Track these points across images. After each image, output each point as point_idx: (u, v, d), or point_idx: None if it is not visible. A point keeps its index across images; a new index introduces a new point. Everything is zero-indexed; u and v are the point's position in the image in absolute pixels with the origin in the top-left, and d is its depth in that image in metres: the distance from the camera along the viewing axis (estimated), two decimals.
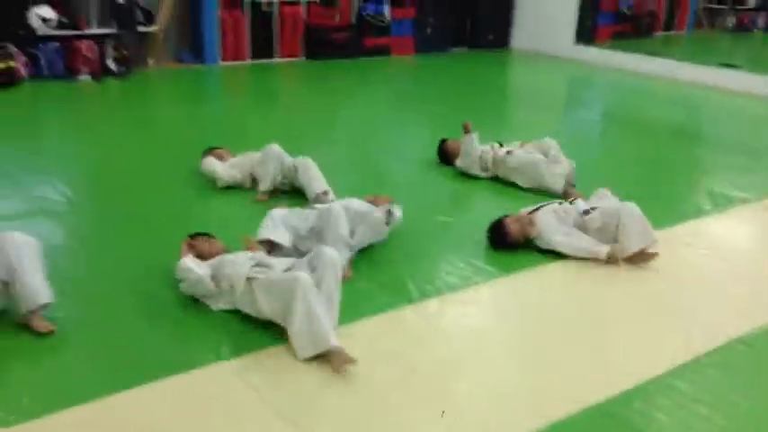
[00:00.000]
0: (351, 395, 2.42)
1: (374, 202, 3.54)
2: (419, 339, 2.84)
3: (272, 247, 3.18)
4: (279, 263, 2.89)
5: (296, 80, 7.91)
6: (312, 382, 2.50)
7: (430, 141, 5.01)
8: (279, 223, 3.23)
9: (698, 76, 8.27)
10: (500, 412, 2.40)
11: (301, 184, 3.99)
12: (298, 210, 3.42)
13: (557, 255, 3.55)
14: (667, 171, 5.02)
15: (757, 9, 12.14)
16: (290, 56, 8.25)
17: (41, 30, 6.45)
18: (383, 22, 8.69)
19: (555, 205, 3.74)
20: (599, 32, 10.18)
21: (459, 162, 4.61)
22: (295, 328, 2.58)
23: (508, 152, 4.48)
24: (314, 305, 2.59)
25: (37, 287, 2.66)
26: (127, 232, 3.60)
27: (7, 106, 5.90)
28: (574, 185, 4.27)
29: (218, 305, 2.88)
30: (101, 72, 6.79)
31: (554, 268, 3.46)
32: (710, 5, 12.11)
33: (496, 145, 4.58)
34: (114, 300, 2.97)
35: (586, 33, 9.73)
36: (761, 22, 12.15)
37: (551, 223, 3.59)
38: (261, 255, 3.01)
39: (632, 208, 3.56)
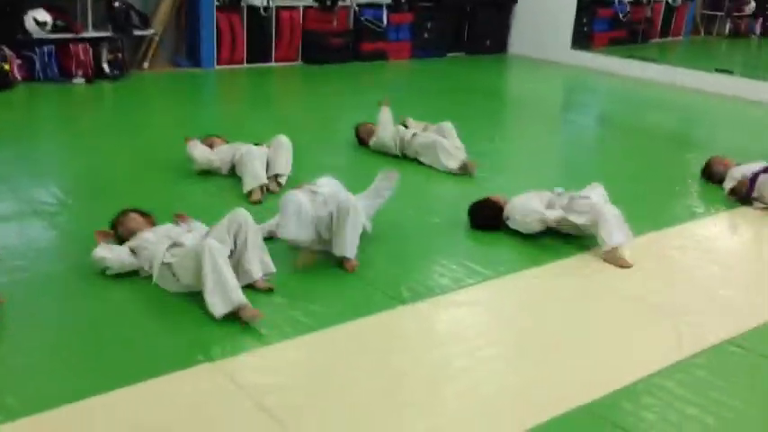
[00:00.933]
0: (341, 398, 2.41)
1: None
2: (410, 341, 2.83)
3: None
4: (193, 237, 3.11)
5: (292, 84, 7.91)
6: (301, 384, 2.49)
7: None
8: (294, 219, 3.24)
9: (694, 81, 8.28)
10: (489, 414, 2.39)
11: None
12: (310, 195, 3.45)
13: (547, 257, 3.55)
14: (661, 175, 5.02)
15: (754, 15, 12.16)
16: (286, 60, 8.25)
17: (37, 33, 6.45)
18: (380, 27, 8.70)
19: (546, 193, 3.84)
20: (596, 38, 10.19)
21: (374, 139, 5.01)
22: (208, 289, 2.80)
23: (414, 134, 4.90)
24: (221, 267, 2.81)
25: None
26: None
27: (1, 109, 5.90)
28: (468, 164, 4.67)
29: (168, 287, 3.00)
30: (95, 75, 6.79)
31: (545, 270, 3.46)
32: (707, 12, 12.14)
33: (402, 127, 5.00)
34: (102, 298, 2.96)
35: (583, 39, 9.74)
36: (758, 28, 12.17)
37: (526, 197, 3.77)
38: (179, 231, 3.17)
39: (613, 208, 3.61)
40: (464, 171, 4.66)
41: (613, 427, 2.32)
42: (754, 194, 4.38)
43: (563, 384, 2.55)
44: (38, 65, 6.55)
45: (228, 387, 2.42)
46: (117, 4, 6.89)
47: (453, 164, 4.70)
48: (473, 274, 3.34)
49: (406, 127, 5.05)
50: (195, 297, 2.93)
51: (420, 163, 4.86)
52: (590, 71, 9.08)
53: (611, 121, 6.55)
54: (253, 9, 7.82)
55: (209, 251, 2.83)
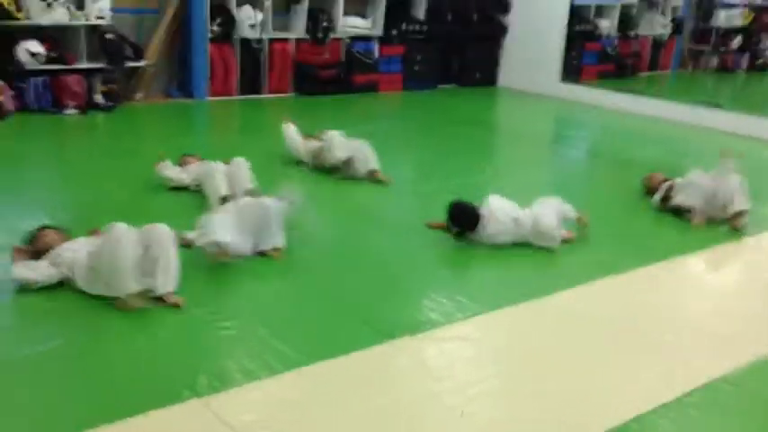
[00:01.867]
0: None
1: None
2: (399, 378, 2.81)
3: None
4: None
5: (283, 115, 7.92)
6: (290, 421, 2.46)
7: (414, 175, 5.02)
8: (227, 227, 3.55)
9: (682, 114, 8.38)
10: None
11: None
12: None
13: (541, 291, 3.55)
14: (651, 209, 5.04)
15: (741, 50, 12.36)
16: (278, 92, 8.30)
17: (30, 64, 6.47)
18: (371, 59, 8.78)
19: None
20: (584, 71, 10.32)
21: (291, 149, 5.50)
22: (101, 269, 3.05)
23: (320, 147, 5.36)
24: (121, 258, 3.00)
25: None
26: None
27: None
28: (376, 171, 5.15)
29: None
30: (88, 106, 6.80)
31: (536, 306, 3.45)
32: (694, 46, 12.33)
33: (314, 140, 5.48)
34: (90, 328, 2.93)
35: (572, 72, 9.86)
36: (743, 63, 12.36)
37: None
38: (94, 241, 3.31)
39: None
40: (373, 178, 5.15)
41: None
42: (676, 202, 4.69)
43: (553, 423, 2.53)
44: (31, 95, 6.56)
45: (216, 426, 2.39)
46: (110, 36, 6.93)
47: (364, 170, 5.16)
48: (463, 309, 3.33)
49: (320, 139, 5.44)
50: (182, 327, 2.90)
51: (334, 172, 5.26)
52: (579, 104, 9.18)
53: (600, 154, 6.60)
54: (245, 41, 7.89)
55: (117, 234, 3.05)
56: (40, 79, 6.58)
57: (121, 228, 3.09)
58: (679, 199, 4.69)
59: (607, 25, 10.65)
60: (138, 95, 7.43)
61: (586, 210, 4.43)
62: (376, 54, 8.82)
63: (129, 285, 3.02)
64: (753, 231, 4.64)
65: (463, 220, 4.00)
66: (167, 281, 3.13)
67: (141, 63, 7.31)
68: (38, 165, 5.42)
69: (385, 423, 2.48)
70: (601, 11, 10.71)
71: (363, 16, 8.80)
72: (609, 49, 10.67)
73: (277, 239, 3.76)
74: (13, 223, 4.01)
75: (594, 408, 2.64)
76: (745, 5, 12.09)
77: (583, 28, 10.20)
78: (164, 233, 3.20)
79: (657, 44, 11.41)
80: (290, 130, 5.56)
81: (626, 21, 10.87)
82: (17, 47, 6.40)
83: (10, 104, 6.38)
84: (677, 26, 11.48)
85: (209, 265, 3.55)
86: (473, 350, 3.09)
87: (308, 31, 8.30)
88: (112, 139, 6.42)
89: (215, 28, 7.63)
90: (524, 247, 4.06)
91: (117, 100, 7.02)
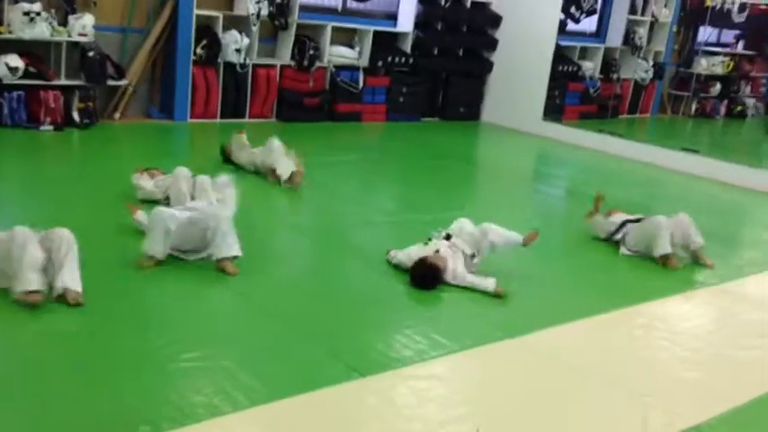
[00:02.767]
0: None
1: None
2: (370, 416, 2.72)
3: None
4: None
5: (264, 140, 7.87)
6: None
7: (392, 206, 4.98)
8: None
9: (660, 158, 8.45)
10: None
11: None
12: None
13: (515, 330, 3.49)
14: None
15: (719, 97, 12.56)
16: (260, 117, 8.25)
17: (7, 78, 6.36)
18: (356, 89, 8.78)
19: (445, 243, 4.04)
20: (566, 111, 10.41)
21: (234, 157, 6.00)
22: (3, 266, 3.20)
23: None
24: (26, 256, 3.14)
25: None
26: None
27: None
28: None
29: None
30: (64, 123, 6.69)
31: (509, 346, 3.39)
32: (675, 92, 12.51)
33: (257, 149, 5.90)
34: (43, 355, 2.82)
35: (554, 111, 9.94)
36: (722, 109, 12.56)
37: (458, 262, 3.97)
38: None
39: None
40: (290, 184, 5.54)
41: None
42: (618, 236, 4.86)
43: None
44: (5, 110, 6.44)
45: None
46: (92, 53, 6.85)
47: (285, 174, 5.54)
48: (437, 347, 3.26)
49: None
50: (138, 358, 2.80)
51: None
52: (560, 143, 9.23)
53: (577, 193, 6.61)
54: (230, 65, 7.85)
55: (18, 235, 3.19)
56: (15, 94, 6.46)
57: (23, 230, 3.26)
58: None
59: (590, 67, 10.77)
60: (117, 115, 7.33)
61: (560, 246, 4.39)
62: (361, 84, 8.82)
63: (30, 282, 3.13)
64: (726, 276, 4.64)
65: (423, 284, 3.90)
66: (67, 280, 3.23)
67: (122, 82, 7.23)
68: (8, 181, 5.30)
69: None
70: (585, 53, 10.84)
71: (350, 46, 8.82)
72: (591, 91, 10.79)
73: (232, 249, 3.77)
74: None
75: None
76: (726, 54, 12.32)
77: (567, 68, 10.31)
78: (65, 236, 3.33)
79: (639, 88, 11.56)
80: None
81: (609, 63, 11.02)
82: None
83: None
84: (659, 71, 11.65)
85: (167, 290, 3.48)
86: (444, 390, 3.01)
87: (293, 57, 8.29)
88: (85, 156, 6.32)
89: (200, 50, 7.58)
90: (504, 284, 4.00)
91: (94, 118, 6.91)
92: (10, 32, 6.38)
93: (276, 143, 5.77)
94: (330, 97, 8.63)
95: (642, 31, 11.23)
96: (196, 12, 7.46)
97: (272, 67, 8.21)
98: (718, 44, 12.56)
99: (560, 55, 10.00)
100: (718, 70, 12.33)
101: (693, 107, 12.41)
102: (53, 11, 6.66)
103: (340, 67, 8.67)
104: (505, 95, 9.86)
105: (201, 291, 3.64)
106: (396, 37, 9.25)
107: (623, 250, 4.82)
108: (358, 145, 8.18)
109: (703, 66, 12.17)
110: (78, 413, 2.50)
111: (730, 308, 4.30)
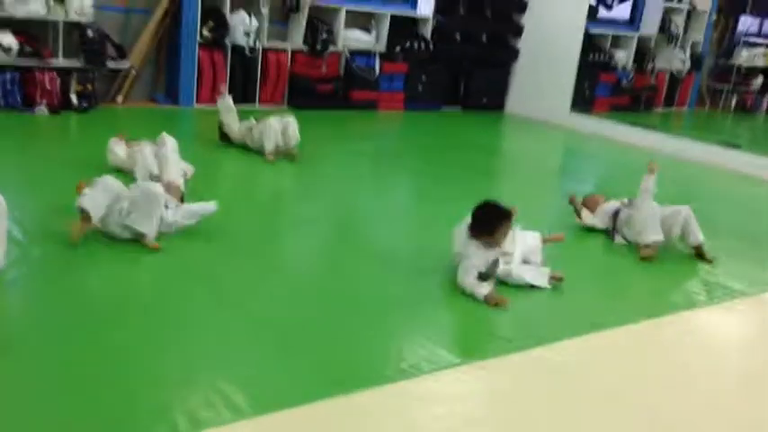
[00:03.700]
0: None
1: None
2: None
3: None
4: None
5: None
6: None
7: (408, 199, 4.57)
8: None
9: (697, 153, 7.88)
10: None
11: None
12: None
13: (527, 344, 3.04)
14: (658, 254, 4.51)
15: (761, 91, 11.88)
16: (271, 103, 7.86)
17: (0, 58, 6.05)
18: (372, 75, 8.34)
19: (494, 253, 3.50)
20: (597, 103, 9.87)
21: (226, 128, 5.93)
22: None
23: (250, 127, 5.84)
24: None
25: None
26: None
27: None
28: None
29: None
30: (61, 106, 6.36)
31: (522, 358, 2.94)
32: (714, 84, 11.86)
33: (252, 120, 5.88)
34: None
35: (583, 103, 9.40)
36: (764, 104, 11.87)
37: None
38: None
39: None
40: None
41: None
42: (616, 229, 4.51)
43: None
44: None
45: None
46: (91, 33, 6.51)
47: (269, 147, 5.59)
48: (439, 359, 2.82)
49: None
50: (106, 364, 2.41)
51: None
52: (589, 136, 8.69)
53: (605, 189, 6.10)
54: (238, 49, 7.46)
55: None
56: (9, 75, 6.15)
57: None
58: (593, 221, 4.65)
59: (623, 57, 10.19)
60: (119, 98, 7.00)
61: (586, 249, 3.92)
62: (378, 70, 8.38)
63: None
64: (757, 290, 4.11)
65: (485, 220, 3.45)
66: None
67: (124, 64, 6.88)
68: None
69: None
70: (617, 42, 10.26)
71: (366, 30, 8.38)
72: (624, 82, 10.22)
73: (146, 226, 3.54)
74: None
75: None
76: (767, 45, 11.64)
77: (598, 58, 9.76)
78: None
79: (675, 79, 10.95)
80: (229, 100, 6.03)
81: (643, 53, 10.43)
82: None
83: None
84: (696, 62, 11.02)
85: (143, 297, 3.08)
86: (452, 408, 2.56)
87: (305, 42, 7.88)
88: (80, 141, 5.98)
89: (206, 32, 7.21)
90: (513, 292, 3.55)
91: (93, 101, 6.58)
92: (1, 10, 6.05)
93: (274, 122, 5.70)
94: (344, 84, 8.20)
95: (679, 20, 10.62)
96: None
97: (283, 51, 7.81)
98: (759, 35, 11.88)
99: (591, 43, 9.46)
100: (760, 62, 11.66)
101: (733, 101, 11.76)
102: None
103: (355, 52, 8.24)
104: (532, 85, 9.34)
105: (177, 283, 3.25)
106: (415, 21, 8.78)
107: (618, 239, 4.48)
108: (374, 134, 7.76)
109: (744, 57, 11.52)
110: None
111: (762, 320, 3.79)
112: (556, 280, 3.65)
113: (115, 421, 2.24)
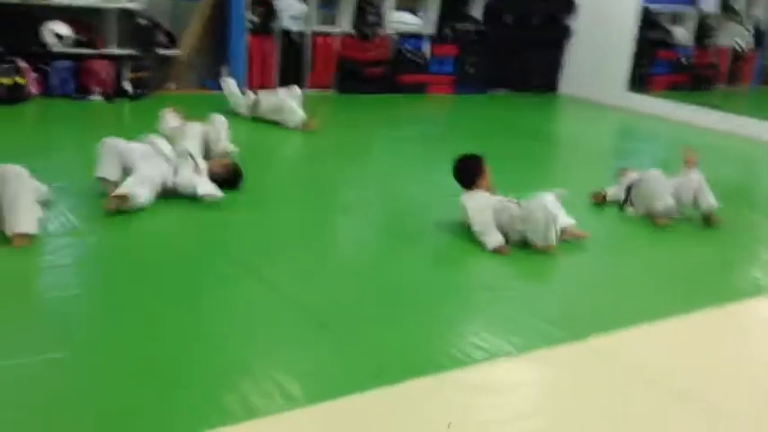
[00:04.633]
0: None
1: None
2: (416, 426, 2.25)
3: None
4: None
5: (323, 112, 7.45)
6: None
7: (456, 187, 4.46)
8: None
9: (761, 132, 7.54)
10: None
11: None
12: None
13: (581, 333, 2.93)
14: (722, 238, 4.32)
15: None
16: (320, 87, 7.82)
17: (55, 47, 6.15)
18: (421, 58, 8.22)
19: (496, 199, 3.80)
20: (654, 82, 9.53)
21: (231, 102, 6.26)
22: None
23: (256, 101, 6.19)
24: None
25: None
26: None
27: (9, 123, 5.57)
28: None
29: None
30: (115, 93, 6.45)
31: (576, 349, 2.84)
32: None
33: (251, 94, 6.31)
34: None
35: (640, 82, 9.08)
36: None
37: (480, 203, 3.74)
38: None
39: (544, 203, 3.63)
40: (305, 129, 5.90)
41: None
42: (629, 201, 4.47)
43: None
44: (55, 80, 6.24)
45: None
46: (143, 21, 6.57)
47: (293, 123, 5.91)
48: (494, 347, 2.74)
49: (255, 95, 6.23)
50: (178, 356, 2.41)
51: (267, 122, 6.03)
52: (647, 116, 8.41)
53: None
54: (286, 33, 7.44)
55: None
56: (65, 63, 6.25)
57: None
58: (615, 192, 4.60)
59: (682, 33, 9.81)
60: (171, 85, 7.06)
61: (644, 233, 3.78)
62: (427, 53, 8.26)
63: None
64: None
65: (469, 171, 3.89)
66: (16, 221, 3.13)
67: (174, 51, 6.93)
68: (55, 151, 5.05)
69: None
70: (676, 18, 9.88)
71: (415, 12, 8.26)
72: (683, 59, 9.85)
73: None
74: None
75: None
76: None
77: (655, 35, 9.42)
78: (11, 172, 3.21)
79: (737, 56, 10.50)
80: (231, 85, 6.41)
81: (704, 30, 10.02)
82: (42, 27, 6.08)
83: (33, 88, 6.07)
84: (760, 38, 10.54)
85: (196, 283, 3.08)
86: (506, 398, 2.49)
87: (354, 25, 7.81)
88: (134, 126, 6.01)
89: (254, 18, 7.21)
90: (564, 280, 3.44)
91: (146, 88, 6.64)
92: None
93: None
94: (393, 67, 8.11)
95: None
96: None
97: (332, 35, 7.75)
98: None
99: (648, 20, 9.12)
100: None
101: None
102: None
103: (403, 35, 8.13)
104: (586, 65, 9.07)
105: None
106: (465, 2, 8.60)
107: (629, 210, 4.44)
108: (422, 118, 7.66)
109: None
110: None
111: None
112: (579, 238, 3.82)
113: (169, 404, 2.24)
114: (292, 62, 7.62)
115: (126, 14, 6.59)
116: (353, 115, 7.25)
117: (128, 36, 6.62)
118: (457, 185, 3.94)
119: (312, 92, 7.74)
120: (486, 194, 3.81)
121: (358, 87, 7.85)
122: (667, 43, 9.62)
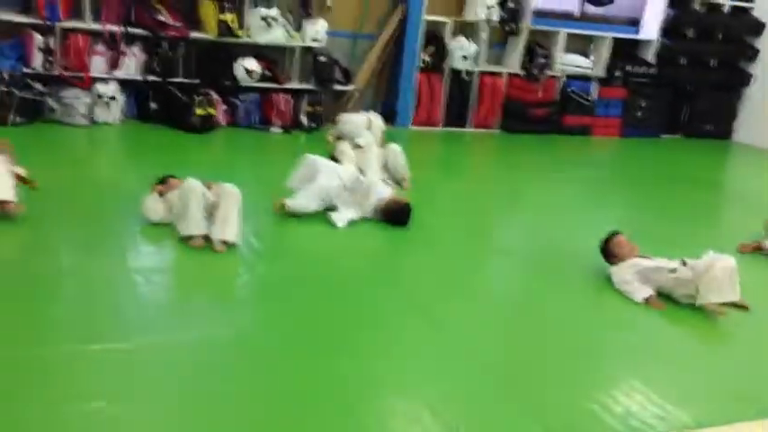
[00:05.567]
0: None
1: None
2: None
3: None
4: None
5: (487, 151, 7.54)
6: None
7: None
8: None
9: None
10: None
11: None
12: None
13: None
14: None
15: None
16: (484, 126, 7.91)
17: (244, 81, 6.65)
18: (588, 100, 8.11)
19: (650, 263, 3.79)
20: None
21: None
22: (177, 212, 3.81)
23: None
24: (191, 205, 3.71)
25: None
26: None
27: (201, 149, 6.09)
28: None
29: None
30: (292, 125, 6.87)
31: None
32: None
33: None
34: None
35: None
36: None
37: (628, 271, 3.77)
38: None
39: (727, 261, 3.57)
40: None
41: None
42: None
43: None
44: (241, 111, 6.74)
45: None
46: (323, 58, 6.96)
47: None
48: (664, 415, 2.66)
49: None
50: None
51: None
52: None
53: None
54: (455, 72, 7.61)
55: (189, 185, 3.78)
56: (251, 96, 6.74)
57: (193, 181, 3.79)
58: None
59: None
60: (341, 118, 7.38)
61: None
62: (594, 95, 8.13)
63: (194, 227, 3.68)
64: None
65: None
66: (223, 230, 3.68)
67: (349, 87, 7.28)
68: (232, 171, 5.45)
69: None
70: None
71: (585, 54, 8.17)
72: None
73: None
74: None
75: None
76: None
77: None
78: (230, 191, 3.79)
79: None
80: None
81: None
82: (236, 63, 6.61)
83: (222, 118, 6.59)
84: None
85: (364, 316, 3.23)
86: None
87: (523, 66, 7.84)
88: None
89: (426, 57, 7.44)
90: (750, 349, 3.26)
91: (320, 121, 7.02)
92: (248, 36, 6.66)
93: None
94: (559, 108, 8.05)
95: None
96: (425, 17, 7.31)
97: (500, 75, 7.83)
98: None
99: None
100: None
101: None
102: (289, 15, 6.86)
103: (572, 77, 8.06)
104: (763, 111, 8.55)
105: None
106: (637, 44, 8.41)
107: None
108: (587, 161, 7.53)
109: None
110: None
111: None
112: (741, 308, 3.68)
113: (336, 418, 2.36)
114: (458, 100, 7.76)
115: (308, 52, 7.01)
116: (518, 155, 7.26)
117: (308, 72, 7.04)
118: None
119: (476, 131, 7.85)
120: (632, 261, 3.85)
121: (521, 127, 7.86)
122: None
